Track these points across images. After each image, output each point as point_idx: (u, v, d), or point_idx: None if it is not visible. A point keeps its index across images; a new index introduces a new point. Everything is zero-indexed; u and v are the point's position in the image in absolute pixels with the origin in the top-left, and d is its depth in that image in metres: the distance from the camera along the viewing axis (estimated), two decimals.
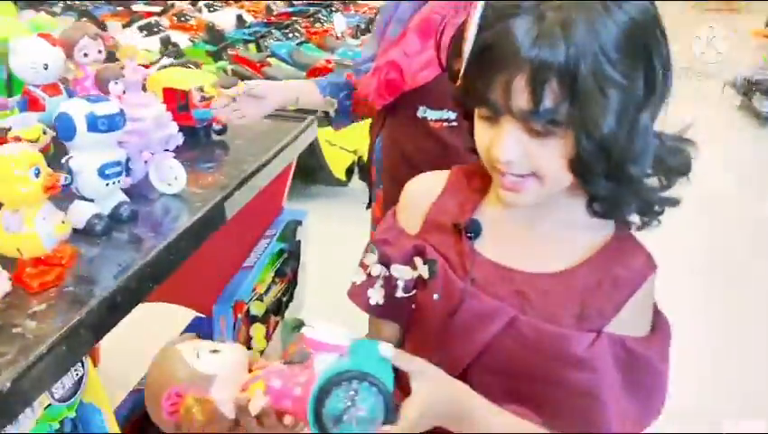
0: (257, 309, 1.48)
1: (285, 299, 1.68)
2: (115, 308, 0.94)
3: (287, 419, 0.67)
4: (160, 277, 1.04)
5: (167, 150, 1.29)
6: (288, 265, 1.64)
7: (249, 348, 1.50)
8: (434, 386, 0.69)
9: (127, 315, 0.97)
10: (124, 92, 1.23)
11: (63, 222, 0.94)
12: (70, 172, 1.03)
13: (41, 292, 0.91)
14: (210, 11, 4.85)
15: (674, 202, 0.73)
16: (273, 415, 0.67)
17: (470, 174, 0.81)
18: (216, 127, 1.48)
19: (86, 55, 1.43)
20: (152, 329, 1.86)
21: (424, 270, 0.79)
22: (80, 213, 1.06)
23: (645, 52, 0.63)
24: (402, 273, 0.80)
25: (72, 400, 0.99)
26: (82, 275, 0.97)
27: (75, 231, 1.06)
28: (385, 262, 0.83)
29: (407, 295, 0.81)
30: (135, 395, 1.56)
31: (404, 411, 0.65)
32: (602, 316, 0.72)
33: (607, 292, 0.72)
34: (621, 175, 0.66)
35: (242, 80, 3.28)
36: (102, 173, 1.04)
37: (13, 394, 0.76)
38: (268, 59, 3.49)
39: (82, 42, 1.41)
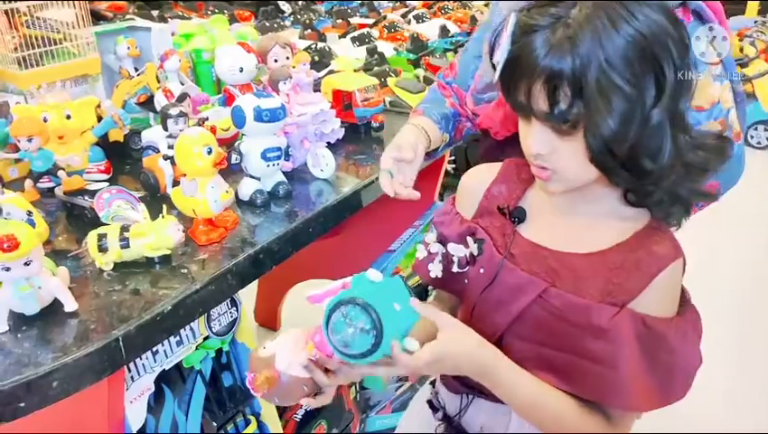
0: None
1: (430, 288, 1.81)
2: (257, 263, 1.15)
3: (335, 361, 0.81)
4: (299, 244, 1.24)
5: (329, 142, 1.51)
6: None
7: None
8: (456, 339, 0.79)
9: (268, 270, 1.19)
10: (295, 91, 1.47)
11: (227, 192, 1.18)
12: (239, 153, 1.28)
13: (207, 245, 1.16)
14: (418, 22, 5.14)
15: (707, 196, 0.78)
16: (334, 363, 0.81)
17: (520, 166, 0.89)
18: (374, 124, 1.67)
19: (276, 61, 1.71)
20: None
21: (474, 248, 0.90)
22: (247, 188, 1.30)
23: (654, 61, 0.69)
24: (457, 251, 0.92)
25: (226, 336, 1.24)
26: (241, 236, 1.21)
27: (242, 201, 1.32)
28: (442, 241, 0.95)
29: (461, 270, 0.92)
30: None
31: (418, 352, 0.75)
32: (624, 293, 0.78)
33: (630, 272, 0.78)
34: (636, 169, 0.73)
35: (430, 84, 3.47)
36: (264, 155, 1.28)
37: (172, 316, 1.01)
38: None
39: (274, 50, 1.69)
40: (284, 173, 1.37)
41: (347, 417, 1.64)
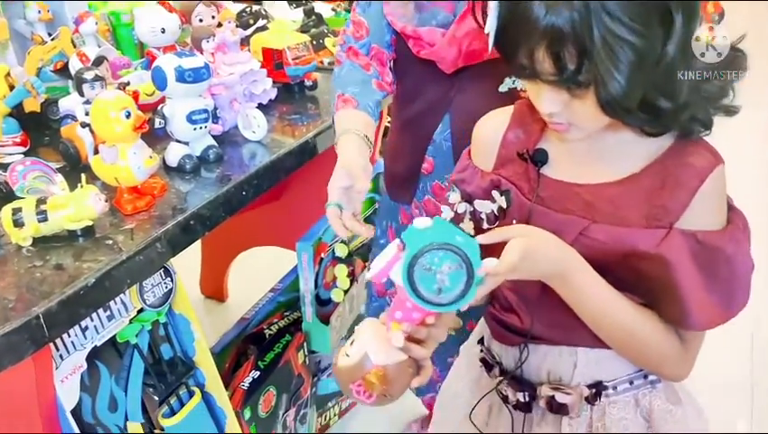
0: (340, 251, 1.61)
1: None
2: (188, 230, 1.11)
3: (429, 320, 0.77)
4: (232, 208, 1.20)
5: (261, 103, 1.46)
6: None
7: (335, 286, 1.64)
8: (535, 237, 0.76)
9: (200, 236, 1.15)
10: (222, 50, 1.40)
11: (151, 157, 1.12)
12: (163, 117, 1.22)
13: (133, 214, 1.11)
14: None
15: (728, 111, 0.75)
16: (422, 330, 0.77)
17: (532, 106, 0.82)
18: (308, 82, 1.62)
19: (201, 20, 1.63)
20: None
21: (501, 201, 0.87)
22: (174, 153, 1.25)
23: (657, 2, 0.65)
24: (484, 207, 0.89)
25: (162, 307, 1.20)
26: (170, 203, 1.16)
27: (170, 168, 1.27)
28: (467, 199, 0.92)
29: (491, 226, 0.88)
30: (243, 323, 1.77)
31: (503, 257, 0.71)
32: (669, 214, 0.75)
33: (671, 190, 0.75)
34: (654, 111, 0.70)
35: None
36: (190, 118, 1.22)
37: (96, 289, 0.96)
38: None
39: (198, 8, 1.62)
40: (214, 136, 1.32)
41: (297, 382, 1.63)
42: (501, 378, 0.95)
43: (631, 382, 0.89)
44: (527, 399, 0.92)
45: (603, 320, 0.81)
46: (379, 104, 1.19)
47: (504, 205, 0.86)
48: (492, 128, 0.90)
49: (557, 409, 0.89)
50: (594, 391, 0.88)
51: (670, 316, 0.79)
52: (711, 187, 0.75)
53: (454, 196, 0.93)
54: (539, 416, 0.93)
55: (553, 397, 0.89)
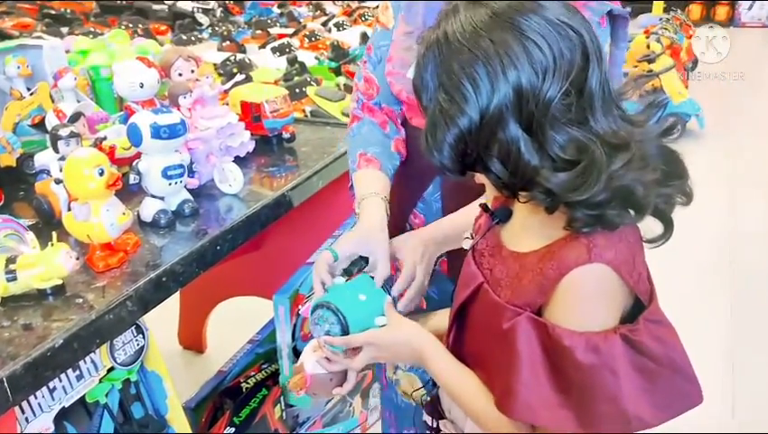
0: None
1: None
2: (161, 287, 1.10)
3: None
4: (207, 263, 1.20)
5: (238, 156, 1.47)
6: (356, 265, 1.74)
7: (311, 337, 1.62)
8: (393, 329, 0.92)
9: (173, 293, 1.14)
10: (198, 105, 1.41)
11: (124, 214, 1.12)
12: (138, 173, 1.22)
13: (105, 272, 1.10)
14: (338, 30, 5.13)
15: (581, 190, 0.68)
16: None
17: None
18: (286, 135, 1.64)
19: (180, 75, 1.65)
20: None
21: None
22: (149, 209, 1.25)
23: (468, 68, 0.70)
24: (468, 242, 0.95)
25: (133, 365, 1.18)
26: (143, 260, 1.15)
27: (145, 223, 1.26)
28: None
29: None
30: (220, 376, 1.75)
31: (354, 336, 0.91)
32: (526, 296, 0.76)
33: (535, 276, 0.75)
34: (494, 172, 0.73)
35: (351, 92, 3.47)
36: (165, 174, 1.22)
37: (64, 350, 0.94)
38: None
39: (177, 63, 1.63)
40: (190, 190, 1.32)
41: None
42: (421, 392, 1.09)
43: None
44: (433, 424, 0.99)
45: (453, 399, 0.89)
46: (396, 168, 1.20)
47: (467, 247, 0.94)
48: None
49: None
50: None
51: (503, 399, 0.77)
52: (571, 284, 0.72)
53: (467, 233, 0.99)
54: None
55: None
